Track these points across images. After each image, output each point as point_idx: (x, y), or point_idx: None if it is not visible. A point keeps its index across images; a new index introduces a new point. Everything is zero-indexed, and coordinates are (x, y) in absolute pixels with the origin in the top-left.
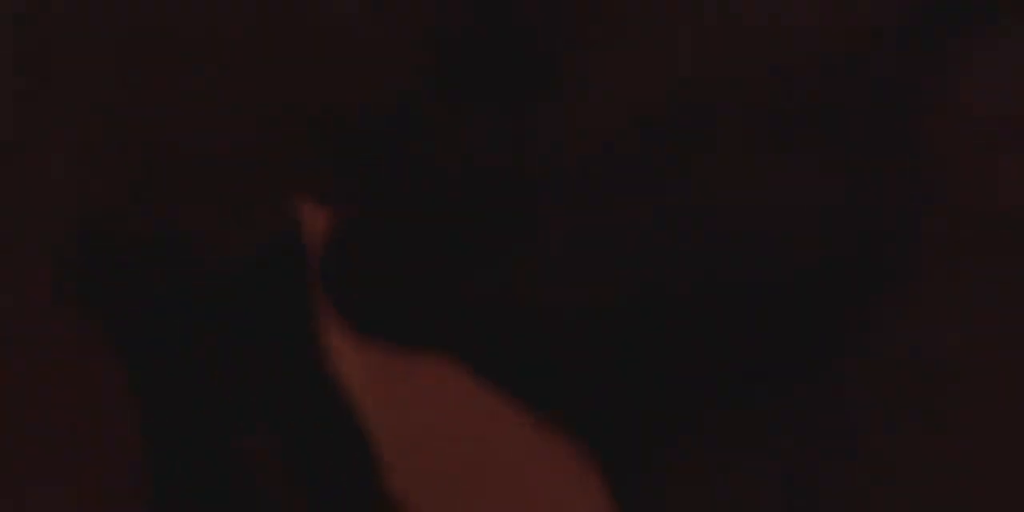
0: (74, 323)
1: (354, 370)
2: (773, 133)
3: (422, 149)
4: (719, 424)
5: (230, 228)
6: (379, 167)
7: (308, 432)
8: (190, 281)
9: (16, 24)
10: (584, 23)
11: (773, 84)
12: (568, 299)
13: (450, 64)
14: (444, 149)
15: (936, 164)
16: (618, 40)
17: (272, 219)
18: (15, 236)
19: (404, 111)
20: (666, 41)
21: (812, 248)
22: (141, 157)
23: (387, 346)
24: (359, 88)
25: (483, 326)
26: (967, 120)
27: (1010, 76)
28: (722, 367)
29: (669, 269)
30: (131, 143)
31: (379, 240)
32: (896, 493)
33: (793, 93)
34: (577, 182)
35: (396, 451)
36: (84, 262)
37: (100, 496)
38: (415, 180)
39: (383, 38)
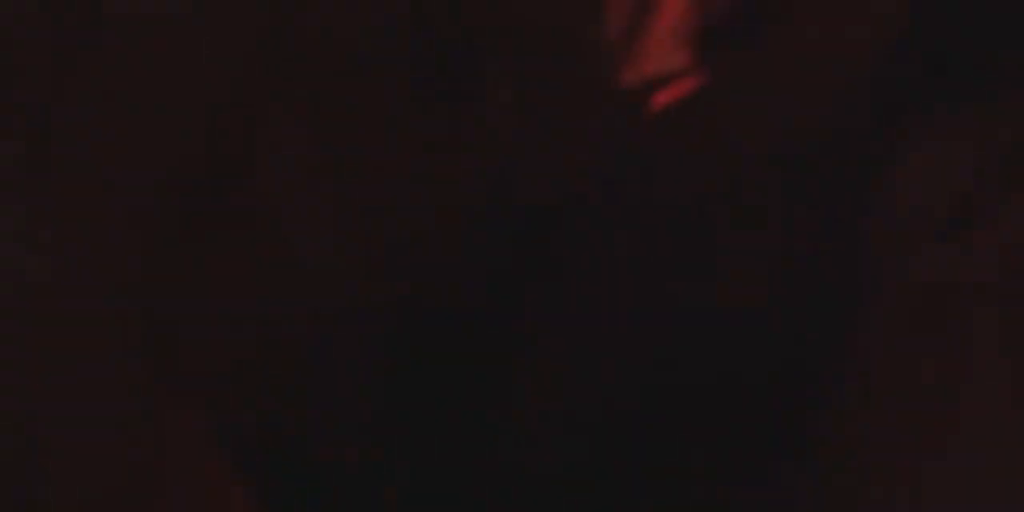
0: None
1: None
2: (720, 223)
3: None
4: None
5: None
6: None
7: None
8: None
9: None
10: None
11: (725, 172)
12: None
13: None
14: None
15: (872, 250)
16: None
17: None
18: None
19: None
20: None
21: (766, 335)
22: None
23: None
24: None
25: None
26: (896, 213)
27: (937, 169)
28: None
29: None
30: None
31: None
32: None
33: (744, 184)
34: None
35: None
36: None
37: None
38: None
39: None
